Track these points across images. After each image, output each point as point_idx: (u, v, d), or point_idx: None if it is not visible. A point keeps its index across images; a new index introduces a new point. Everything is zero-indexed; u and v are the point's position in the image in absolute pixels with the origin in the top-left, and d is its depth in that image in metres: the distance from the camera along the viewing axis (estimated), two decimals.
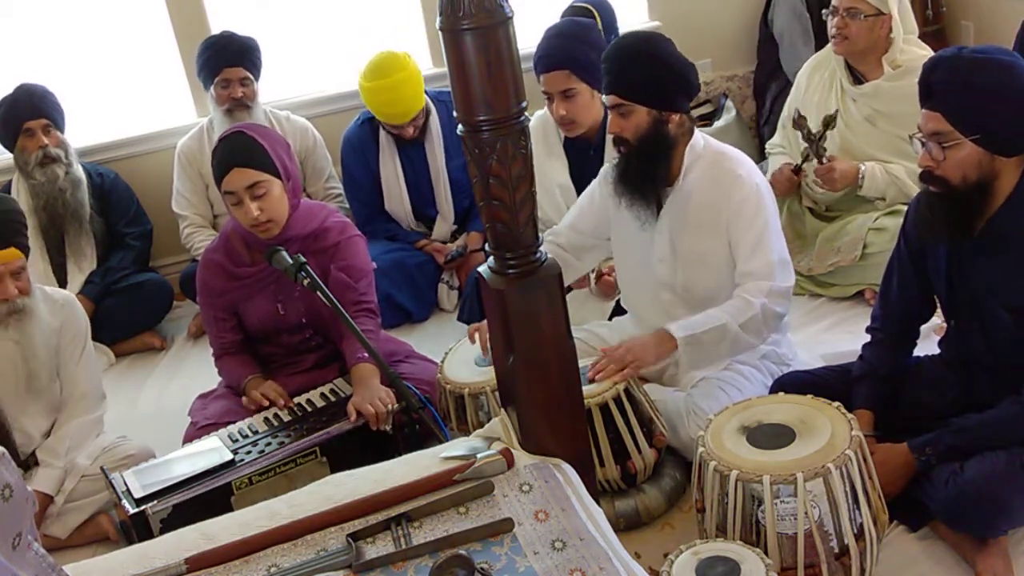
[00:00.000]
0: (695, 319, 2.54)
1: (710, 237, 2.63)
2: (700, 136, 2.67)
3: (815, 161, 3.37)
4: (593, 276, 3.35)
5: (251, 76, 3.96)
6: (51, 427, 2.97)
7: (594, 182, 2.87)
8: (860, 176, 3.34)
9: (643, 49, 2.57)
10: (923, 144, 2.24)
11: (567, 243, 2.89)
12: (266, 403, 2.86)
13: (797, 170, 3.49)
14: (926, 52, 3.35)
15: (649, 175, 2.62)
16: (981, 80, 2.14)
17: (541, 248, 1.98)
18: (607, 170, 2.76)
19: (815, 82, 3.55)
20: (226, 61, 3.91)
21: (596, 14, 3.79)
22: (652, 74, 2.54)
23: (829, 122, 3.34)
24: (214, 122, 4.03)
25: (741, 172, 2.61)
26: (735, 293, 2.56)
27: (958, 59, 2.19)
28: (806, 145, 3.38)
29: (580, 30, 3.28)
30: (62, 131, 3.95)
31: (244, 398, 2.91)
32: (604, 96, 2.65)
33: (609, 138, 3.28)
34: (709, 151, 2.65)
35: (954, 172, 2.21)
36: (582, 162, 3.36)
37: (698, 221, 2.64)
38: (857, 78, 3.45)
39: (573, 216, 2.92)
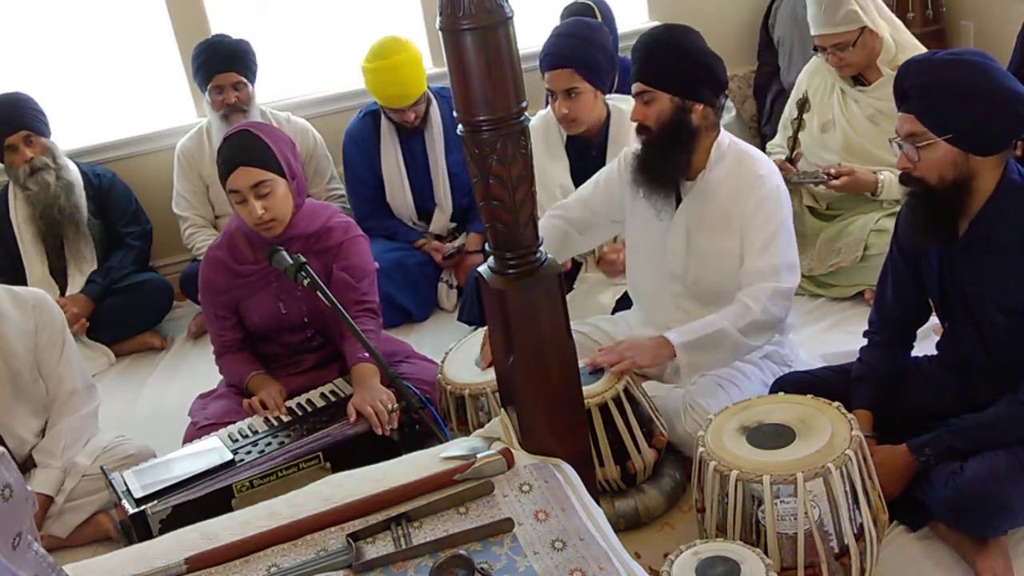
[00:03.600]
0: (692, 325, 2.54)
1: (725, 235, 2.63)
2: (726, 134, 2.67)
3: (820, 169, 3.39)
4: (593, 258, 3.35)
5: (244, 80, 3.94)
6: (43, 427, 2.94)
7: (612, 163, 2.85)
8: (879, 186, 3.34)
9: (669, 38, 2.60)
10: (900, 147, 2.27)
11: (576, 218, 2.85)
12: (263, 411, 2.85)
13: (790, 160, 3.51)
14: (919, 45, 3.37)
15: (669, 164, 2.61)
16: (950, 79, 2.18)
17: (541, 248, 1.98)
18: (627, 154, 2.74)
19: (815, 84, 3.56)
20: (218, 67, 3.89)
21: (597, 11, 3.79)
22: (675, 62, 2.55)
23: (803, 105, 3.47)
24: (211, 125, 4.03)
25: (763, 172, 2.61)
26: (736, 297, 2.56)
27: (928, 62, 2.24)
28: (790, 136, 3.44)
29: (587, 31, 3.27)
30: (46, 135, 3.89)
31: (245, 401, 2.91)
32: (632, 85, 2.63)
33: (611, 139, 3.30)
34: (733, 149, 2.65)
35: (931, 172, 2.23)
36: (583, 162, 3.35)
37: (715, 219, 2.63)
38: (858, 79, 3.45)
39: (587, 192, 2.87)
